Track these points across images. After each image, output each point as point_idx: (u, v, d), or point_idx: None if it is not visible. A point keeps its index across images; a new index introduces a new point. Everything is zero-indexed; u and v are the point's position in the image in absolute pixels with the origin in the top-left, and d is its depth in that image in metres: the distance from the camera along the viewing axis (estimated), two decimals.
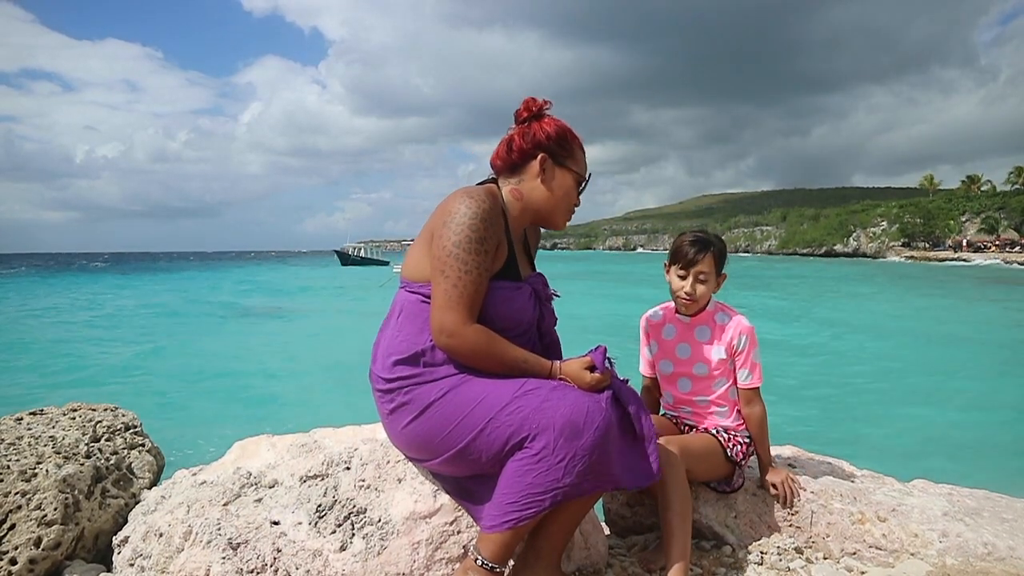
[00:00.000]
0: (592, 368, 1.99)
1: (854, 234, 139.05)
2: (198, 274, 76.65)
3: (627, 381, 2.08)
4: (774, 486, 2.54)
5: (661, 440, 2.28)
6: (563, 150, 2.15)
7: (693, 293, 2.50)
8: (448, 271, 1.92)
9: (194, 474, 2.44)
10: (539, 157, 2.12)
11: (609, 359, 2.04)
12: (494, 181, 2.21)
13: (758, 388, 2.56)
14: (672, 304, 2.64)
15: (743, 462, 2.54)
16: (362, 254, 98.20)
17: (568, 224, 2.26)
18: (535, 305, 2.12)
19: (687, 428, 2.62)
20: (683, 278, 2.51)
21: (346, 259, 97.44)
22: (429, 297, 2.00)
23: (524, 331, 2.10)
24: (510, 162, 2.16)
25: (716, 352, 2.55)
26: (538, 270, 2.29)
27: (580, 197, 2.24)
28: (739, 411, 2.58)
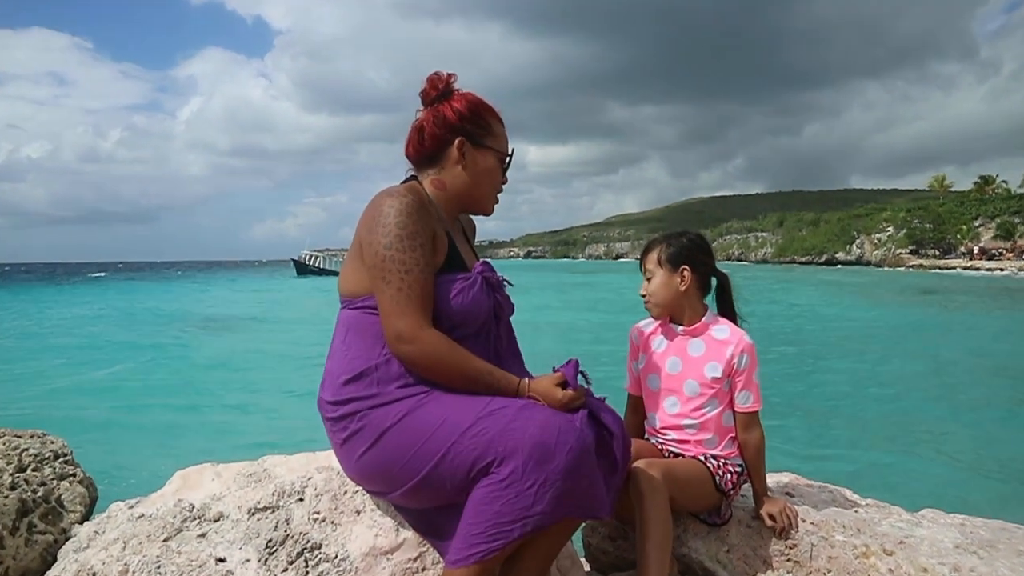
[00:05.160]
0: (564, 384, 1.99)
1: (857, 240, 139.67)
2: (134, 286, 75.77)
3: (605, 399, 2.08)
4: (771, 517, 2.52)
5: (643, 463, 2.28)
6: (479, 128, 2.17)
7: (645, 294, 2.58)
8: (388, 275, 1.93)
9: (131, 507, 2.41)
10: (456, 142, 2.14)
11: (583, 374, 2.03)
12: (415, 178, 2.24)
13: (757, 412, 2.56)
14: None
15: (732, 492, 2.55)
16: (320, 264, 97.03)
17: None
18: (489, 295, 2.13)
19: (671, 456, 2.60)
20: None
21: (303, 268, 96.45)
22: (375, 308, 2.00)
23: (482, 324, 2.11)
24: (425, 151, 2.19)
25: (710, 369, 2.53)
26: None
27: (507, 175, 2.27)
28: (731, 439, 2.58)
